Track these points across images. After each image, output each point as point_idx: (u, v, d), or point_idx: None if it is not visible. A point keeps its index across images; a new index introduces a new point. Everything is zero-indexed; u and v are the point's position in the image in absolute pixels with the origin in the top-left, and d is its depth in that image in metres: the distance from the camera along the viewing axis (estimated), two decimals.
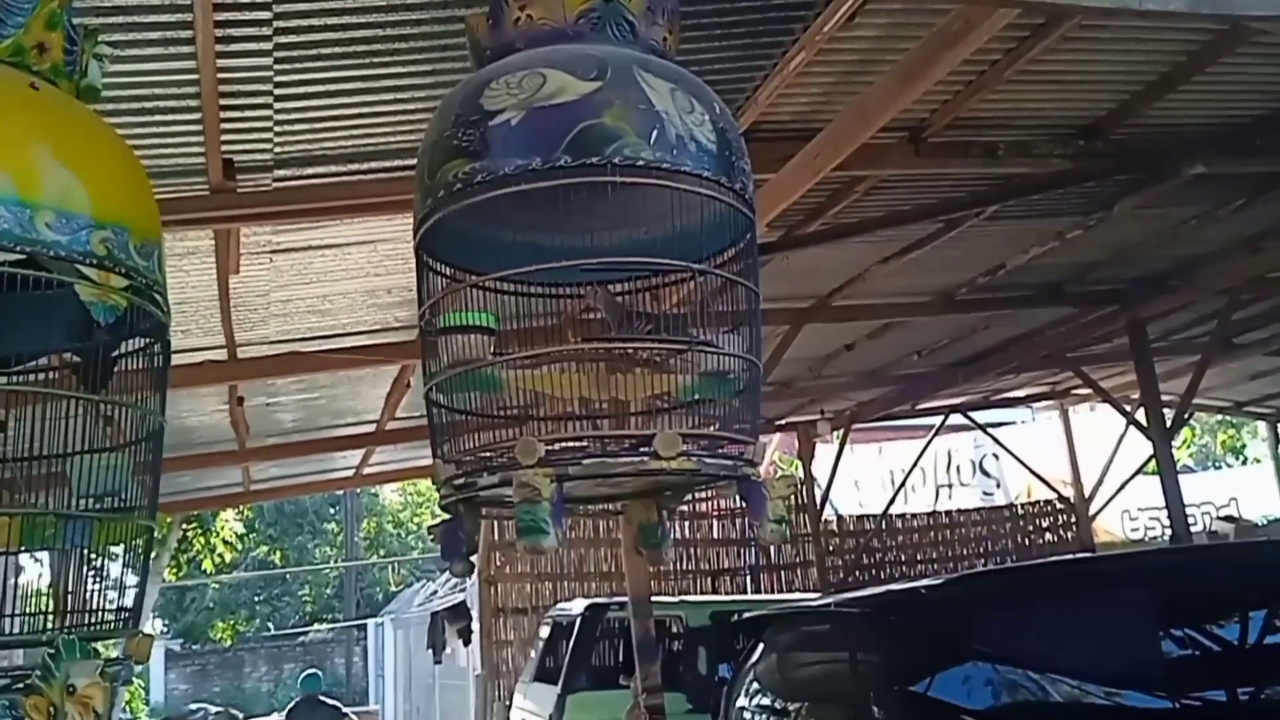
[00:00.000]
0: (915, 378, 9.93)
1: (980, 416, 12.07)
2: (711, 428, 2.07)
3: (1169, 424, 7.92)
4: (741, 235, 2.11)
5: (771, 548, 11.92)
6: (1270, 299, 8.08)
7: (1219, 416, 19.04)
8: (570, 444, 1.97)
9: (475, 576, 11.09)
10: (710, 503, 11.93)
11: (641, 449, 1.88)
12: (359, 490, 23.23)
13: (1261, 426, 13.93)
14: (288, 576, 25.99)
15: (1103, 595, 4.09)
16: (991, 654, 3.77)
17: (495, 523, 10.45)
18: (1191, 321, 8.54)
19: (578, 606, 8.18)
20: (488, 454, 2.00)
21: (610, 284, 2.19)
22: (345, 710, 9.78)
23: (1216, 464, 20.44)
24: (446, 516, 2.09)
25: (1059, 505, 12.39)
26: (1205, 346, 8.13)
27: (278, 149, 3.75)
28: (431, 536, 2.11)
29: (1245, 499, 13.44)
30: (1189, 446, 19.65)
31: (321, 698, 9.53)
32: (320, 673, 10.75)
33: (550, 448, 1.87)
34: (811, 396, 10.37)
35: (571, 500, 1.92)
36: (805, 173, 3.96)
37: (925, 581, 4.24)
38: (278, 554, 25.13)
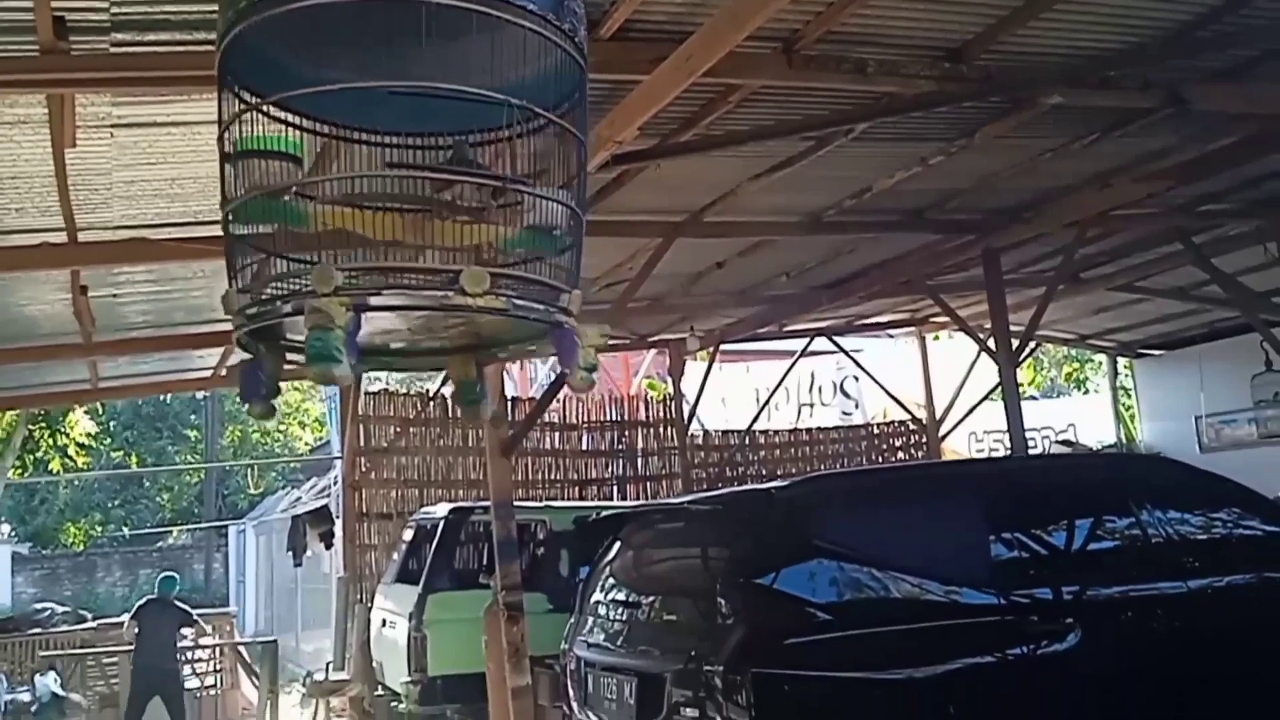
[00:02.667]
0: (783, 299, 10.14)
1: (843, 341, 12.45)
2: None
3: (1015, 351, 8.31)
4: (572, 90, 2.02)
5: (639, 459, 12.14)
6: (1116, 235, 8.52)
7: (1066, 351, 20.14)
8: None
9: (340, 482, 10.98)
10: (579, 414, 12.06)
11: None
12: (222, 395, 22.50)
13: (1104, 360, 14.76)
14: (145, 480, 25.15)
15: (936, 500, 4.33)
16: (834, 551, 3.96)
17: (361, 427, 10.32)
18: (1043, 254, 8.94)
19: (442, 510, 8.20)
20: (285, 286, 1.93)
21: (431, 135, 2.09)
22: (194, 615, 9.61)
23: (1060, 395, 21.63)
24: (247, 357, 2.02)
25: (912, 426, 13.01)
26: (1052, 279, 8.53)
27: (115, 10, 3.49)
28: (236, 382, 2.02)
29: (1083, 426, 14.32)
30: (1036, 377, 20.75)
31: (174, 600, 9.33)
32: (178, 575, 10.50)
33: (351, 279, 1.81)
34: (683, 314, 10.49)
35: (390, 355, 1.88)
36: (678, 75, 3.93)
37: (774, 483, 4.38)
38: (134, 458, 24.22)
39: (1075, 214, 7.37)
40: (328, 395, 15.94)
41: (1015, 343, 8.37)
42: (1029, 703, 3.85)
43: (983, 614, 3.96)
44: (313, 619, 14.31)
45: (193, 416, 25.43)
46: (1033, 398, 18.07)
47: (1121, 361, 13.93)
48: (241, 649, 11.49)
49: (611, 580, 4.84)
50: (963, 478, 4.70)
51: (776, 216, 7.39)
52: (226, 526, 22.83)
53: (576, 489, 11.69)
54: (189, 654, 10.26)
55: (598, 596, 4.82)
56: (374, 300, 1.80)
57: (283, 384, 2.35)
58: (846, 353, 12.75)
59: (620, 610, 4.64)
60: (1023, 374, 20.48)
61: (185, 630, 9.45)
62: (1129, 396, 14.35)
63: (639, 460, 12.18)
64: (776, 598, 3.87)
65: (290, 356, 2.04)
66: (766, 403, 12.62)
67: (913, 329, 12.40)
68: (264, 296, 1.93)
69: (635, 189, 6.19)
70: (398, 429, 10.59)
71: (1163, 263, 9.32)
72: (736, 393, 13.92)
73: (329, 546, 10.82)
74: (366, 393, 10.44)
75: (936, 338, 13.06)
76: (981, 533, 4.15)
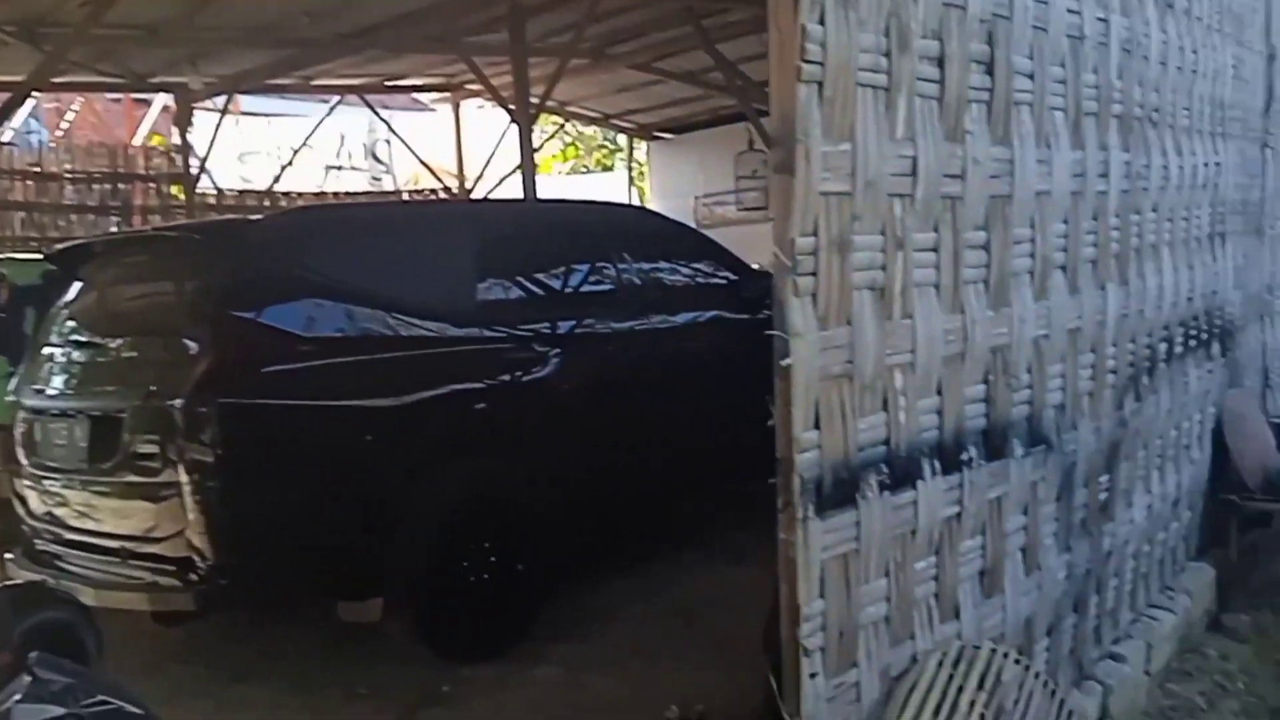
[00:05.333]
0: (306, 43, 9.31)
1: (377, 105, 11.89)
2: None
3: (534, 115, 8.42)
4: None
5: (136, 217, 10.84)
6: (639, 11, 8.80)
7: (601, 139, 21.12)
8: None
9: None
10: (62, 162, 10.41)
11: None
12: None
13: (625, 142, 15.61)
14: None
15: (427, 237, 4.28)
16: (318, 283, 3.78)
17: None
18: (568, 24, 9.00)
19: None
20: None
21: None
22: None
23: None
24: None
25: (442, 194, 12.94)
26: (566, 48, 8.64)
27: None
28: None
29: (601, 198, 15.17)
30: (573, 161, 21.63)
31: None
32: None
33: None
34: (189, 49, 9.25)
35: None
36: None
37: (257, 216, 4.03)
38: None
39: None
40: None
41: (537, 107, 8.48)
42: (513, 422, 4.06)
43: (467, 344, 4.05)
44: None
45: None
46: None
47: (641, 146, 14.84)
48: None
49: (71, 323, 4.26)
50: (454, 217, 4.69)
51: None
52: None
53: None
54: None
55: (53, 341, 4.23)
56: None
57: None
58: (378, 114, 12.22)
59: (79, 354, 4.12)
60: (558, 155, 21.24)
61: None
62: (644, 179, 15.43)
63: (136, 219, 10.87)
64: (252, 329, 3.63)
65: None
66: (290, 162, 11.78)
67: (447, 95, 12.14)
68: None
69: None
70: None
71: (676, 44, 9.85)
72: (257, 150, 12.83)
73: None
74: None
75: (481, 108, 12.90)
76: (471, 270, 4.19)
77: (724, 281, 5.27)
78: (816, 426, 2.10)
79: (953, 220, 2.42)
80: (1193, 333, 3.93)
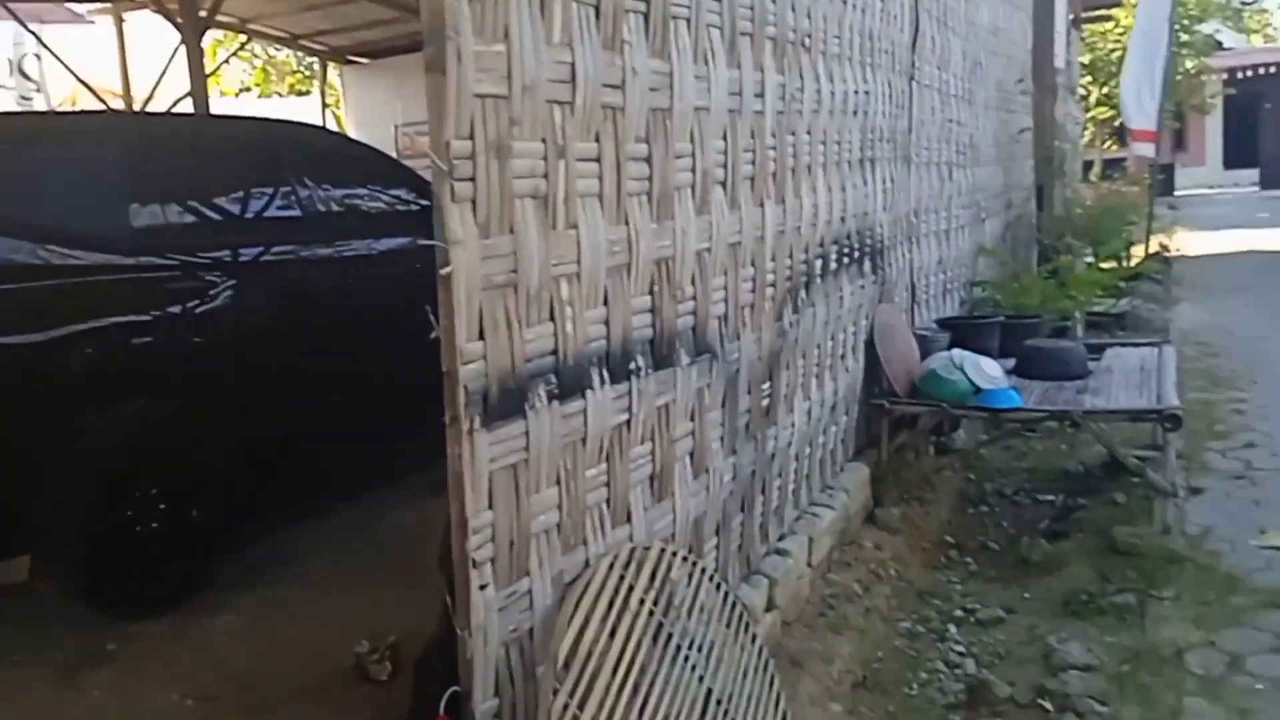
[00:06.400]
0: None
1: (24, 13, 10.41)
2: None
3: (203, 26, 7.74)
4: None
5: None
6: None
7: (295, 64, 19.80)
8: None
9: None
10: None
11: None
12: None
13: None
14: None
15: (71, 154, 3.81)
16: None
17: None
18: None
19: None
20: None
21: None
22: None
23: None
24: None
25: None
26: None
27: None
28: None
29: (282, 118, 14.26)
30: (264, 86, 20.18)
31: None
32: None
33: None
34: None
35: None
36: None
37: None
38: None
39: None
40: None
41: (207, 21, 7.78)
42: (180, 358, 3.74)
43: (125, 273, 3.67)
44: None
45: None
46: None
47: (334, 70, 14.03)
48: None
49: None
50: (108, 133, 4.19)
51: None
52: None
53: None
54: None
55: None
56: None
57: None
58: (26, 26, 10.72)
59: None
60: (251, 81, 19.75)
61: None
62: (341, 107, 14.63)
63: None
64: None
65: None
66: None
67: (108, 5, 10.84)
68: None
69: None
70: None
71: None
72: None
73: None
74: None
75: (149, 21, 11.59)
76: (128, 192, 3.78)
77: (419, 209, 5.10)
78: (482, 338, 2.07)
79: (614, 131, 2.44)
80: (846, 251, 4.27)
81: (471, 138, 2.02)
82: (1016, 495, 5.18)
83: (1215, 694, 3.22)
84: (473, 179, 2.03)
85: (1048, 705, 3.19)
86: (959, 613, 3.97)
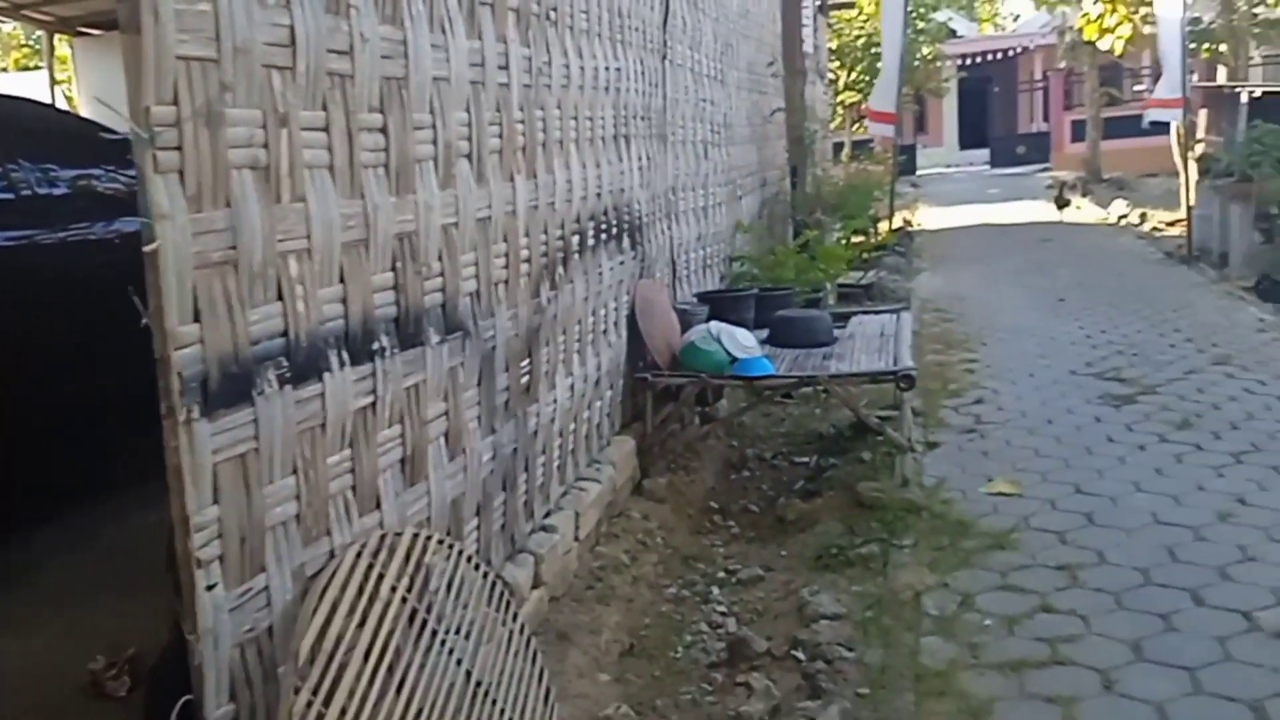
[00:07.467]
0: None
1: None
2: None
3: None
4: None
5: None
6: None
7: (22, 38, 17.90)
8: None
9: None
10: None
11: None
12: None
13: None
14: None
15: None
16: None
17: None
18: None
19: None
20: None
21: None
22: None
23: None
24: None
25: None
26: None
27: None
28: None
29: None
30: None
31: None
32: None
33: None
34: None
35: None
36: None
37: None
38: None
39: None
40: None
41: None
42: None
43: None
44: None
45: None
46: None
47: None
48: None
49: None
50: None
51: None
52: None
53: None
54: None
55: None
56: None
57: None
58: None
59: None
60: None
61: None
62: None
63: None
64: None
65: None
66: None
67: None
68: None
69: None
70: None
71: None
72: None
73: None
74: None
75: None
76: None
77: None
78: (198, 320, 1.92)
79: (343, 99, 2.32)
80: (604, 226, 4.30)
81: (176, 103, 1.86)
82: (775, 459, 5.42)
83: (949, 632, 3.48)
84: (179, 148, 1.87)
85: (800, 655, 3.35)
86: (722, 574, 4.11)
